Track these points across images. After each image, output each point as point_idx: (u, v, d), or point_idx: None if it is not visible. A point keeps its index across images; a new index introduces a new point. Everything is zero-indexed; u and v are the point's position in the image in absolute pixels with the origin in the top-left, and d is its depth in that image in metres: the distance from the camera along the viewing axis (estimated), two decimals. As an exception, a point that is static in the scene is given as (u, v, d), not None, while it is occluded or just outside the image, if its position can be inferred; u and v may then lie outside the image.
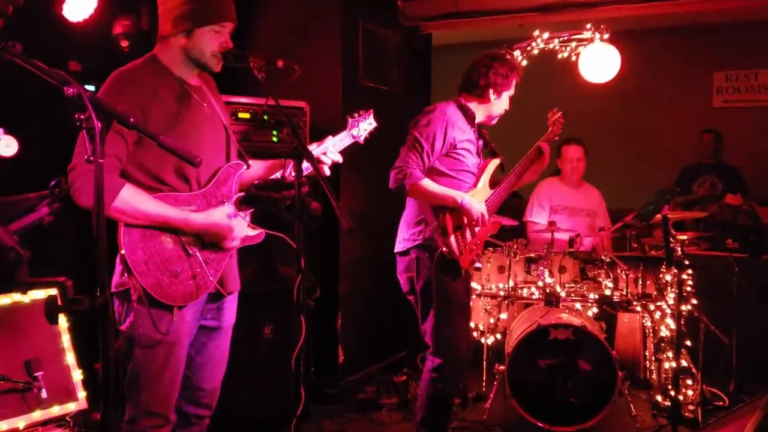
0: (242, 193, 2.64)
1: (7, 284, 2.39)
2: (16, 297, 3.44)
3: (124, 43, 4.77)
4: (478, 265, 4.80)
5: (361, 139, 2.91)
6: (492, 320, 4.79)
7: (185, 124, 2.52)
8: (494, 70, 3.56)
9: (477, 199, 3.53)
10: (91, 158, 1.73)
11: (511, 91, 3.66)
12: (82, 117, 1.72)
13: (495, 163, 3.69)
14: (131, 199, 2.38)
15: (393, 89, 5.54)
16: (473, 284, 4.51)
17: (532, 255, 4.71)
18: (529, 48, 4.80)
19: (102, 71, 2.59)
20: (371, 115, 2.94)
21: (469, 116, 3.61)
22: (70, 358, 3.58)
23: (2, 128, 1.87)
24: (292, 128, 2.35)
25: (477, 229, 3.54)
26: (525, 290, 4.71)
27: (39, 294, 3.50)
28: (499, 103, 3.64)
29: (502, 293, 4.72)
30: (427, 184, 3.40)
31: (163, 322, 2.48)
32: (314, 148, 2.69)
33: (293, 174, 2.39)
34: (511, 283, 4.66)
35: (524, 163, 3.79)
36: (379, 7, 5.38)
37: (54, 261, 3.56)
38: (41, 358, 3.43)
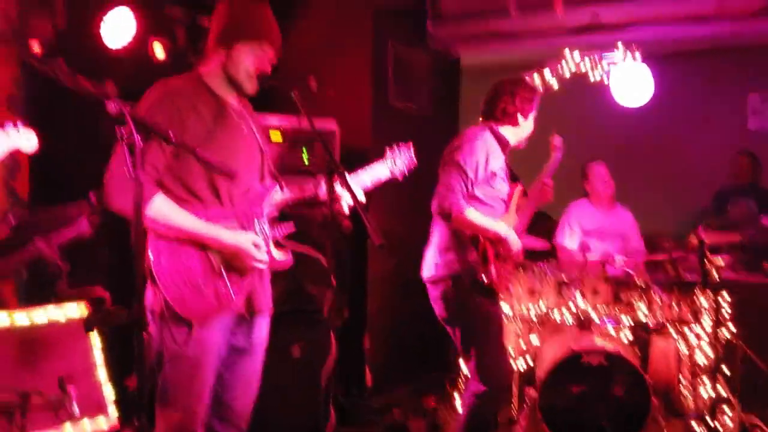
0: (276, 214, 2.65)
1: (47, 296, 2.42)
2: (51, 314, 3.48)
3: (161, 66, 4.85)
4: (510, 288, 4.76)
5: (399, 176, 2.91)
6: (523, 344, 4.73)
7: (221, 140, 2.55)
8: (520, 95, 3.59)
9: (509, 225, 3.56)
10: (131, 172, 1.75)
11: (535, 112, 3.68)
12: (123, 132, 1.74)
13: (519, 189, 3.69)
14: (163, 208, 2.40)
15: (422, 110, 5.56)
16: (504, 307, 4.46)
17: (564, 277, 4.65)
18: (559, 69, 4.78)
19: (138, 91, 2.64)
20: (410, 150, 2.93)
21: (503, 143, 3.62)
22: (102, 374, 3.60)
23: (20, 120, 1.90)
24: (325, 146, 2.36)
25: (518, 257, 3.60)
26: (557, 313, 4.64)
27: (73, 311, 3.53)
28: (527, 125, 3.66)
29: (533, 316, 4.66)
30: (472, 215, 3.42)
31: (181, 336, 2.47)
32: (350, 178, 2.68)
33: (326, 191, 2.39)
34: (543, 306, 4.60)
35: (533, 194, 3.78)
36: (408, 29, 5.41)
37: (91, 273, 3.60)
38: (74, 374, 3.45)
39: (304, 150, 4.36)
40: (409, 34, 5.42)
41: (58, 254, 2.05)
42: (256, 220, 2.62)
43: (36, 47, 4.04)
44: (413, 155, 2.94)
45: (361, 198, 2.67)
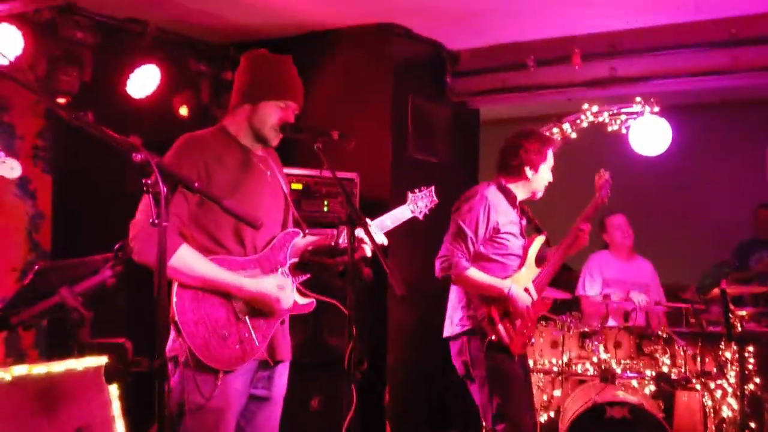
0: (296, 259, 2.67)
1: (69, 345, 2.43)
2: (69, 364, 3.47)
3: (184, 119, 4.95)
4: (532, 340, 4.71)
5: (421, 216, 2.94)
6: (545, 397, 4.66)
7: (247, 189, 2.60)
8: (524, 148, 3.57)
9: (523, 281, 3.53)
10: (156, 221, 1.78)
11: (549, 162, 3.64)
12: (149, 182, 1.78)
13: (540, 240, 3.66)
14: (187, 258, 2.43)
15: (441, 162, 5.59)
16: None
17: (586, 330, 4.60)
18: (578, 121, 4.82)
19: (161, 144, 2.70)
20: (431, 192, 2.98)
21: (510, 198, 3.62)
22: (121, 426, 3.57)
23: (3, 152, 1.94)
24: (345, 196, 2.39)
25: (530, 312, 3.53)
26: (579, 366, 4.58)
27: (91, 361, 3.53)
28: (539, 178, 3.63)
29: (555, 369, 4.60)
30: (473, 274, 3.44)
31: (207, 386, 2.47)
32: (371, 222, 2.71)
33: (347, 240, 2.41)
34: (565, 359, 4.54)
35: (567, 241, 3.70)
36: (428, 83, 5.49)
37: (113, 322, 3.62)
38: (92, 425, 3.43)
39: (326, 203, 4.41)
40: (429, 87, 5.50)
41: (81, 303, 2.07)
42: (279, 268, 2.64)
43: (62, 99, 4.15)
44: (434, 196, 2.98)
45: (383, 242, 2.70)
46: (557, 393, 4.64)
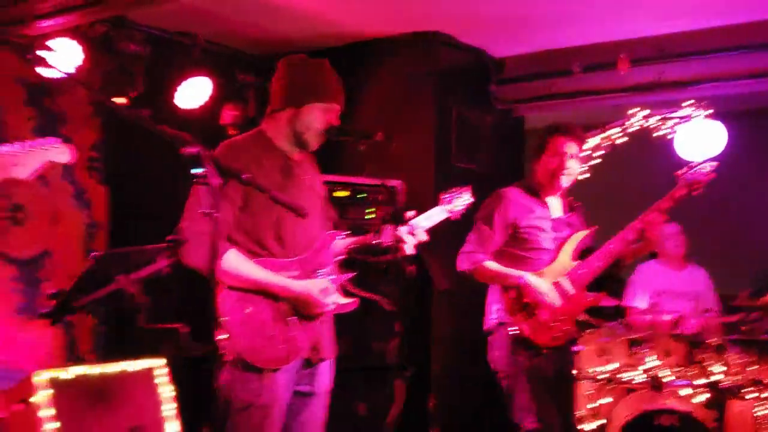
0: (342, 257, 2.71)
1: (125, 338, 2.53)
2: (124, 365, 3.58)
3: (232, 129, 5.07)
4: (579, 347, 4.66)
5: (456, 216, 2.98)
6: (593, 405, 4.59)
7: (286, 193, 2.64)
8: (545, 143, 3.63)
9: (552, 275, 3.51)
10: (208, 212, 1.85)
11: (573, 149, 3.61)
12: (201, 174, 1.85)
13: (579, 235, 3.64)
14: (235, 262, 2.49)
15: (485, 170, 5.59)
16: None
17: (635, 337, 4.54)
18: (625, 126, 4.78)
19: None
20: (467, 192, 3.02)
21: (534, 192, 3.64)
22: (173, 427, 3.66)
23: (59, 139, 2.02)
24: (389, 195, 2.42)
25: (555, 305, 3.48)
26: (627, 374, 4.51)
27: (144, 363, 3.63)
28: (567, 172, 3.63)
29: (603, 377, 4.54)
30: (489, 265, 3.51)
31: (254, 385, 2.52)
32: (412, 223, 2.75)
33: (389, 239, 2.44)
34: (613, 367, 4.48)
35: (625, 237, 3.59)
36: (471, 91, 5.50)
37: (167, 310, 3.70)
38: (145, 426, 3.52)
39: (368, 210, 4.46)
40: (473, 95, 5.51)
41: (139, 290, 2.15)
42: (319, 269, 2.69)
43: (122, 99, 4.31)
44: (471, 195, 3.05)
45: (423, 239, 2.74)
46: (605, 401, 4.58)
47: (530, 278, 3.47)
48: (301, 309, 2.62)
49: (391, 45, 5.26)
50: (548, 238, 3.61)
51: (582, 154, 3.70)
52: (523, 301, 3.47)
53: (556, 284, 3.52)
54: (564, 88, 5.43)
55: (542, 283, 3.48)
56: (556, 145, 3.62)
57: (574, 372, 4.51)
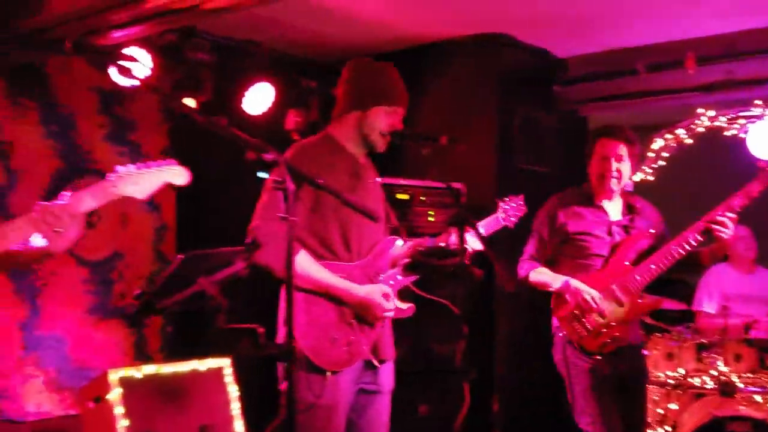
0: (407, 260, 2.74)
1: (207, 330, 2.61)
2: (193, 365, 3.68)
3: (296, 134, 5.15)
4: (644, 352, 4.57)
5: (511, 224, 3.01)
6: (660, 410, 4.51)
7: (355, 195, 2.68)
8: (593, 148, 3.60)
9: (604, 281, 3.45)
10: (284, 216, 1.90)
11: (622, 152, 3.55)
12: (278, 179, 1.91)
13: (636, 239, 3.56)
14: (304, 264, 2.54)
15: (548, 171, 5.54)
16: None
17: (704, 341, 4.43)
18: (693, 126, 4.68)
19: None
20: (521, 201, 3.03)
21: (587, 197, 3.60)
22: (239, 426, 3.74)
23: (173, 161, 2.09)
24: (454, 197, 2.44)
25: (606, 310, 3.42)
26: (696, 379, 4.41)
27: (213, 362, 3.73)
28: (614, 176, 3.57)
29: (671, 382, 4.45)
30: (537, 272, 3.55)
31: (317, 386, 2.57)
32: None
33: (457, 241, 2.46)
34: (681, 372, 4.39)
35: (684, 237, 3.44)
36: (534, 91, 5.46)
37: (245, 311, 3.78)
38: (214, 424, 3.61)
39: (431, 213, 4.47)
40: (536, 96, 5.47)
41: (218, 291, 2.23)
42: (380, 274, 2.72)
43: (192, 100, 4.43)
44: (523, 204, 3.06)
45: (480, 248, 2.75)
46: (673, 406, 4.48)
47: (575, 284, 3.44)
48: (363, 313, 2.65)
49: (452, 48, 5.26)
50: (603, 244, 3.55)
51: (635, 157, 3.61)
52: (570, 307, 3.44)
53: (607, 290, 3.45)
54: (629, 88, 5.34)
55: (588, 289, 3.43)
56: (602, 148, 3.57)
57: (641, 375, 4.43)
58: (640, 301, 3.50)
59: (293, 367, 1.89)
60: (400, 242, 2.80)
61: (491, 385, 4.93)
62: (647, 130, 5.23)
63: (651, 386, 4.53)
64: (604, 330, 3.44)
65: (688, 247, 3.42)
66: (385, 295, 2.67)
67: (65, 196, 1.97)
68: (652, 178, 5.01)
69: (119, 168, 2.00)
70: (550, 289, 3.51)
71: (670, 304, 4.65)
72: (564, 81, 5.48)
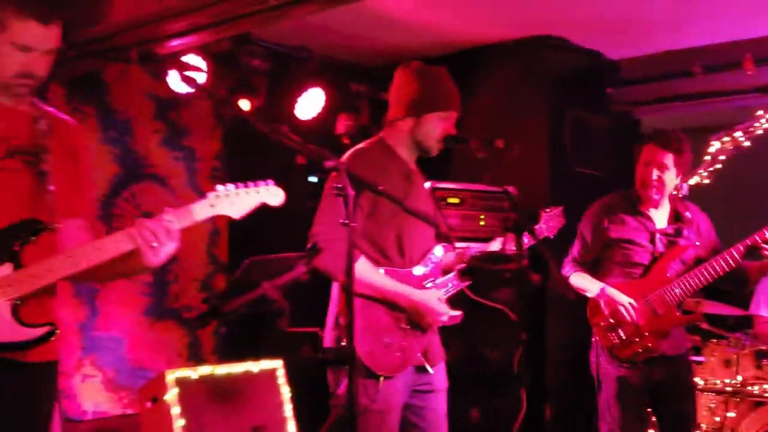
0: (462, 266, 2.74)
1: (267, 333, 2.67)
2: (247, 366, 3.74)
3: (346, 139, 5.20)
4: (700, 359, 4.49)
5: (551, 235, 3.02)
6: (717, 418, 4.41)
7: (410, 201, 2.70)
8: (638, 154, 3.54)
9: (641, 291, 3.39)
10: (346, 222, 1.93)
11: (667, 160, 3.46)
12: (339, 186, 1.94)
13: (678, 250, 3.48)
14: (362, 269, 2.56)
15: (601, 174, 5.47)
16: (696, 379, 4.21)
17: (764, 348, 4.32)
18: (751, 129, 4.57)
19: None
20: (561, 212, 3.02)
21: (631, 203, 3.53)
22: (292, 427, 3.79)
23: (271, 180, 2.12)
24: (511, 203, 2.43)
25: (640, 320, 3.37)
26: (756, 387, 4.30)
27: (267, 364, 3.78)
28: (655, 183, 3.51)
29: (728, 389, 4.35)
30: (575, 278, 3.52)
31: (371, 390, 2.59)
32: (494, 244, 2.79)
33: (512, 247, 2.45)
34: (740, 379, 4.29)
35: (730, 254, 3.36)
36: (586, 94, 5.40)
37: (303, 315, 3.83)
38: (267, 425, 3.66)
39: (482, 217, 4.46)
40: (587, 98, 5.41)
41: (281, 296, 2.27)
42: (431, 280, 2.74)
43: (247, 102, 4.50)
44: (562, 215, 3.07)
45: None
46: (731, 414, 4.38)
47: (610, 292, 3.41)
48: (416, 318, 2.66)
49: (502, 50, 5.23)
50: (644, 252, 3.49)
51: (683, 165, 3.50)
52: (605, 315, 3.41)
53: (643, 300, 3.40)
54: (684, 90, 5.26)
55: (623, 299, 3.38)
56: (647, 154, 3.49)
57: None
58: (677, 313, 3.45)
59: (353, 372, 1.90)
60: (440, 249, 2.80)
61: (543, 391, 4.89)
62: (703, 132, 5.12)
63: (708, 394, 4.44)
64: (637, 339, 3.40)
65: (732, 264, 3.35)
66: (440, 300, 2.68)
67: (165, 213, 2.02)
68: (708, 182, 4.90)
69: (219, 187, 2.05)
70: (587, 295, 3.50)
71: (727, 310, 4.55)
72: (617, 83, 5.41)
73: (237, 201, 2.04)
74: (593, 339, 3.55)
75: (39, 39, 1.96)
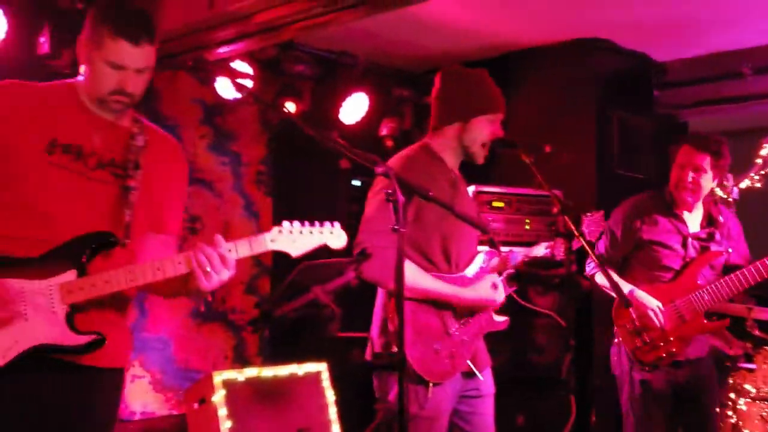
0: (512, 271, 2.73)
1: (321, 336, 2.69)
2: (292, 369, 3.78)
3: (389, 143, 5.22)
4: (751, 366, 4.39)
5: (593, 239, 2.97)
6: (769, 428, 4.31)
7: (456, 206, 2.69)
8: (673, 156, 3.48)
9: (669, 296, 3.34)
10: (396, 228, 1.94)
11: (704, 163, 3.38)
12: (389, 191, 1.95)
13: (710, 256, 3.41)
14: (410, 273, 2.56)
15: (648, 177, 5.39)
16: (747, 386, 4.13)
17: (818, 356, 4.21)
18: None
19: (368, 168, 2.87)
20: (601, 216, 2.99)
21: (665, 206, 3.46)
22: (336, 430, 3.81)
23: (338, 222, 2.12)
24: (562, 207, 2.41)
25: (667, 324, 3.32)
26: (810, 396, 4.19)
27: (311, 367, 3.81)
28: (689, 186, 3.43)
29: (781, 397, 4.24)
30: (602, 277, 3.36)
31: (420, 397, 2.58)
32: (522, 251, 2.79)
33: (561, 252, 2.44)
34: (792, 387, 4.18)
35: (762, 264, 3.29)
36: (633, 96, 5.33)
37: (354, 319, 3.87)
38: (312, 427, 3.69)
39: (527, 221, 4.43)
40: (634, 100, 5.34)
41: (332, 300, 2.29)
42: (477, 282, 2.73)
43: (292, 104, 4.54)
44: (603, 220, 3.00)
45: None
46: (784, 424, 4.28)
47: (639, 295, 3.35)
48: (477, 311, 2.68)
49: (548, 53, 5.20)
50: (675, 256, 3.42)
51: (721, 168, 3.42)
52: (631, 318, 3.35)
53: (671, 305, 3.34)
54: (732, 92, 5.16)
55: (652, 302, 3.32)
56: (683, 155, 3.42)
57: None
58: (704, 321, 3.38)
59: (404, 378, 1.91)
60: (486, 254, 2.79)
61: (589, 397, 4.83)
62: (754, 134, 5.02)
63: (760, 402, 4.33)
64: (661, 344, 3.35)
65: (765, 274, 3.28)
66: (494, 287, 2.68)
67: (217, 237, 2.04)
68: (759, 185, 4.79)
69: (285, 224, 2.06)
70: (614, 295, 3.42)
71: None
72: (664, 85, 5.34)
73: (299, 239, 2.04)
74: (615, 340, 3.49)
75: (130, 58, 2.03)
